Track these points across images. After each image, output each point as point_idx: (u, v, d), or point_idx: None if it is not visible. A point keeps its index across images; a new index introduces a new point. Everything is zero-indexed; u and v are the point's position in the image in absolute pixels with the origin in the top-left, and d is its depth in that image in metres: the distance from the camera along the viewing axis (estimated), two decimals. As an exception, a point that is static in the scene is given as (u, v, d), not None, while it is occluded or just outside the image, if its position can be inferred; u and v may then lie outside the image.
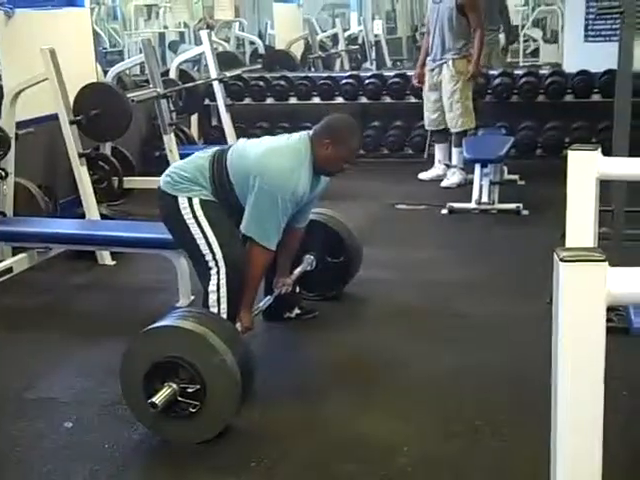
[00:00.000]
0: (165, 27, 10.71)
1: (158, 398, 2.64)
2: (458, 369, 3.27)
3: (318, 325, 3.76)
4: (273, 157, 3.14)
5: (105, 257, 4.80)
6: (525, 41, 11.28)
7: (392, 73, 7.62)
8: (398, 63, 10.91)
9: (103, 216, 4.99)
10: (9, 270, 4.21)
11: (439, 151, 6.70)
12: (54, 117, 4.83)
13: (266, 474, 2.58)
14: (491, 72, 7.30)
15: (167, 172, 3.31)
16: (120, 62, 7.13)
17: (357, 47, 11.31)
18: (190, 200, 3.18)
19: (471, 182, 5.80)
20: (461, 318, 3.79)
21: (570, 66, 7.19)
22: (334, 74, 8.11)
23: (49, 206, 5.07)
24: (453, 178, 6.41)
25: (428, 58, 6.45)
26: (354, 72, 8.15)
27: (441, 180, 6.51)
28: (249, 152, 3.22)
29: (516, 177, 6.35)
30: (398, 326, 3.75)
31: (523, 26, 11.43)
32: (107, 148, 5.81)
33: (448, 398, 3.04)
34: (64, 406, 3.09)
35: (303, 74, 8.17)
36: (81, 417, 2.98)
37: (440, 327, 3.71)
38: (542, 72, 7.33)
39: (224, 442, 2.72)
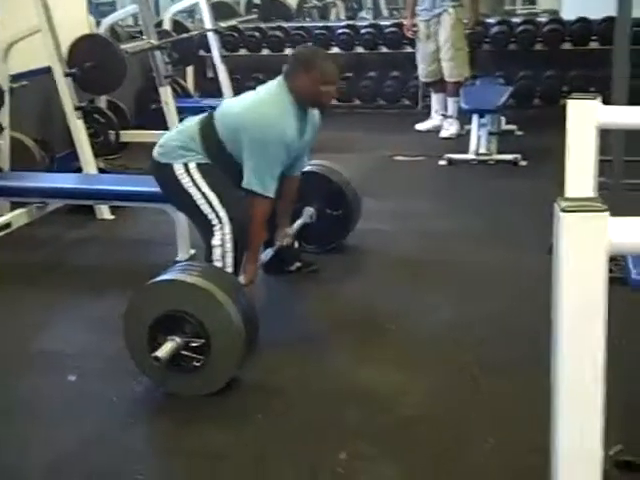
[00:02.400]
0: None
1: (162, 352, 2.65)
2: (458, 319, 3.31)
3: (318, 277, 3.78)
4: (256, 109, 3.18)
5: (104, 211, 4.80)
6: (523, -13, 11.10)
7: (389, 22, 7.53)
8: (395, 12, 10.74)
9: (100, 170, 4.97)
10: (8, 225, 4.20)
11: (436, 101, 6.65)
12: (48, 70, 4.78)
13: (271, 426, 2.62)
14: (489, 20, 7.22)
15: (159, 143, 3.32)
16: (112, 13, 7.03)
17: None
18: (186, 165, 3.20)
19: (469, 132, 5.78)
20: (460, 269, 3.81)
21: (568, 13, 7.11)
22: (330, 24, 8.02)
23: (45, 160, 5.06)
24: (451, 129, 6.38)
25: (419, 8, 6.36)
26: (350, 22, 8.05)
27: (438, 131, 6.48)
28: (233, 109, 3.25)
29: (514, 127, 6.32)
30: (397, 277, 3.77)
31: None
32: (102, 101, 5.76)
33: (448, 348, 3.07)
34: (68, 359, 3.13)
35: (299, 24, 8.09)
36: (85, 370, 3.02)
37: (439, 278, 3.74)
38: (540, 20, 7.25)
39: (229, 394, 2.75)
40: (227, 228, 3.14)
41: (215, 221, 3.16)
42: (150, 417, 2.78)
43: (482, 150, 5.61)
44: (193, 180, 3.18)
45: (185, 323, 2.68)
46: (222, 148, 3.21)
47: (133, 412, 2.75)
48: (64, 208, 4.65)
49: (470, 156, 5.63)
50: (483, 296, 3.51)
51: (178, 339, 2.69)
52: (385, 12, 10.91)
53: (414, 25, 6.44)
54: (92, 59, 4.94)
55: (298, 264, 3.80)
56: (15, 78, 4.84)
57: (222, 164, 3.21)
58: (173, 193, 3.31)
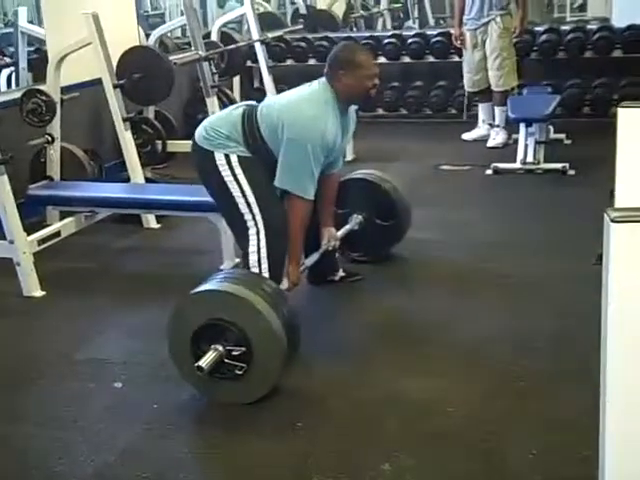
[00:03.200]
0: (206, -12, 10.63)
1: (205, 362, 2.66)
2: (503, 329, 3.26)
3: (361, 286, 3.76)
4: (296, 107, 3.17)
5: (150, 220, 4.86)
6: (573, -5, 10.97)
7: (435, 32, 7.49)
8: (442, 21, 10.71)
9: (148, 180, 5.03)
10: (57, 234, 4.27)
11: (483, 111, 6.60)
12: (98, 82, 4.86)
13: (310, 434, 2.61)
14: (537, 28, 7.14)
15: (202, 126, 3.28)
16: (162, 25, 7.13)
17: (399, 5, 11.14)
18: (227, 157, 3.17)
19: (516, 142, 5.73)
20: (506, 279, 3.77)
21: (619, 20, 6.99)
22: (376, 33, 8.03)
23: (95, 170, 5.13)
24: (498, 138, 6.33)
25: (466, 17, 6.33)
26: (396, 31, 8.04)
27: (485, 140, 6.43)
28: (275, 106, 3.24)
29: (562, 136, 6.24)
30: (442, 286, 3.74)
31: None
32: (150, 112, 5.84)
33: (493, 359, 3.03)
34: (113, 367, 3.16)
35: (345, 34, 8.11)
36: (130, 378, 3.05)
37: (485, 288, 3.70)
38: (590, 27, 7.14)
39: (270, 403, 2.75)
40: (262, 234, 3.13)
41: (251, 223, 3.14)
42: (193, 425, 2.79)
43: (529, 159, 5.54)
44: (234, 174, 3.15)
45: (227, 332, 2.69)
46: (263, 143, 3.18)
47: (176, 419, 2.76)
48: (111, 217, 4.72)
49: (517, 165, 5.57)
50: (529, 307, 3.46)
51: (220, 348, 2.70)
52: (432, 21, 10.88)
53: (461, 34, 6.41)
54: (141, 70, 5.00)
55: (342, 274, 3.78)
56: (66, 90, 4.93)
57: (263, 158, 3.18)
58: (210, 181, 3.28)
